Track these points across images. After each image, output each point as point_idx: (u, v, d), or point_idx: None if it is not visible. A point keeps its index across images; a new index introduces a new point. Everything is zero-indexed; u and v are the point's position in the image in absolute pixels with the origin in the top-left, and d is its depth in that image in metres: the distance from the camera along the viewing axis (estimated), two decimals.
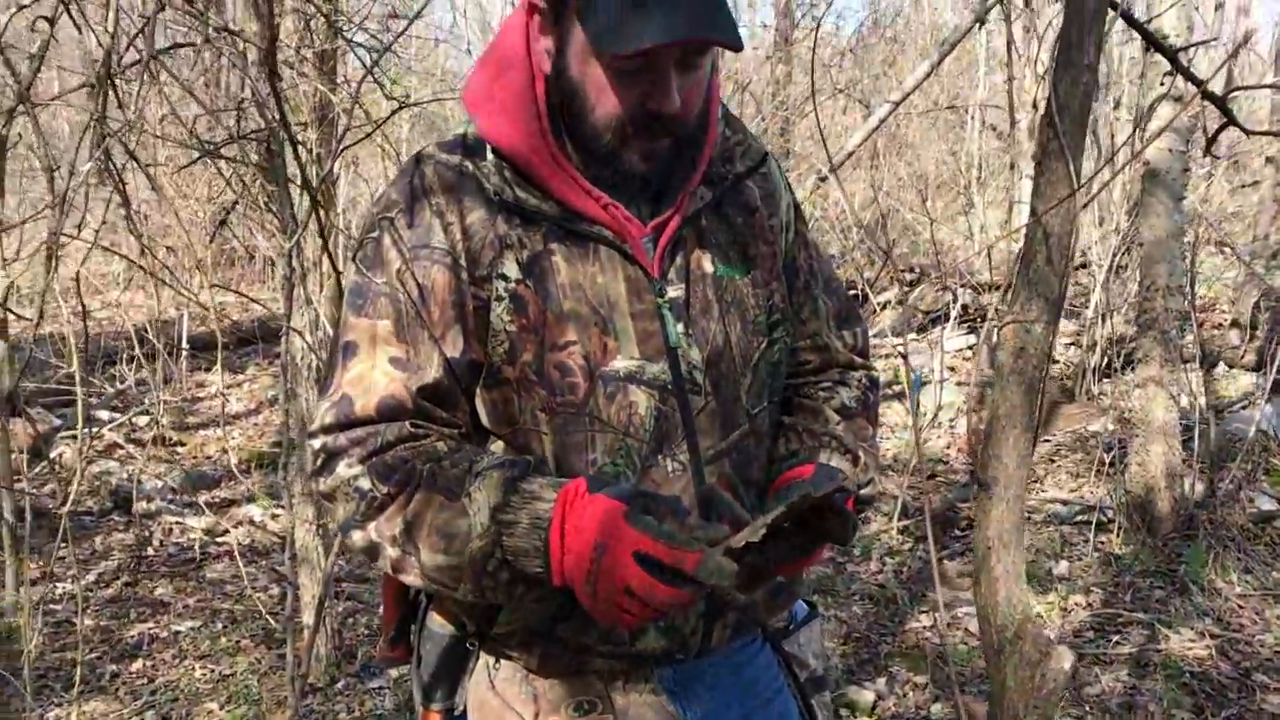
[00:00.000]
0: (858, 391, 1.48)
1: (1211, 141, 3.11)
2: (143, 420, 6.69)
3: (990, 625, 1.30)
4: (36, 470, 5.51)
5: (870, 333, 1.56)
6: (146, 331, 7.51)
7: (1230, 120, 2.78)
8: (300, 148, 3.48)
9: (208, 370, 8.34)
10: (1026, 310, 1.31)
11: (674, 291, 1.32)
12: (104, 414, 6.64)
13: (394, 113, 2.95)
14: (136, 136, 2.61)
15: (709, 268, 1.35)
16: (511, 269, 1.27)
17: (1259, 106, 9.66)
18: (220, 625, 4.11)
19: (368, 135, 2.37)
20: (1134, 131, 4.99)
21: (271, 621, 3.90)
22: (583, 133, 1.26)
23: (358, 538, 1.26)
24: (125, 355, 7.47)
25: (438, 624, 1.41)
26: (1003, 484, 1.29)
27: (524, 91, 1.29)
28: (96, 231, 3.32)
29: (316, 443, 1.29)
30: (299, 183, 2.82)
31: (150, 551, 4.92)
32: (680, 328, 1.31)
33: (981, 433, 5.19)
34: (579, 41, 1.22)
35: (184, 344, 7.40)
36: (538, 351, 1.27)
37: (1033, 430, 1.29)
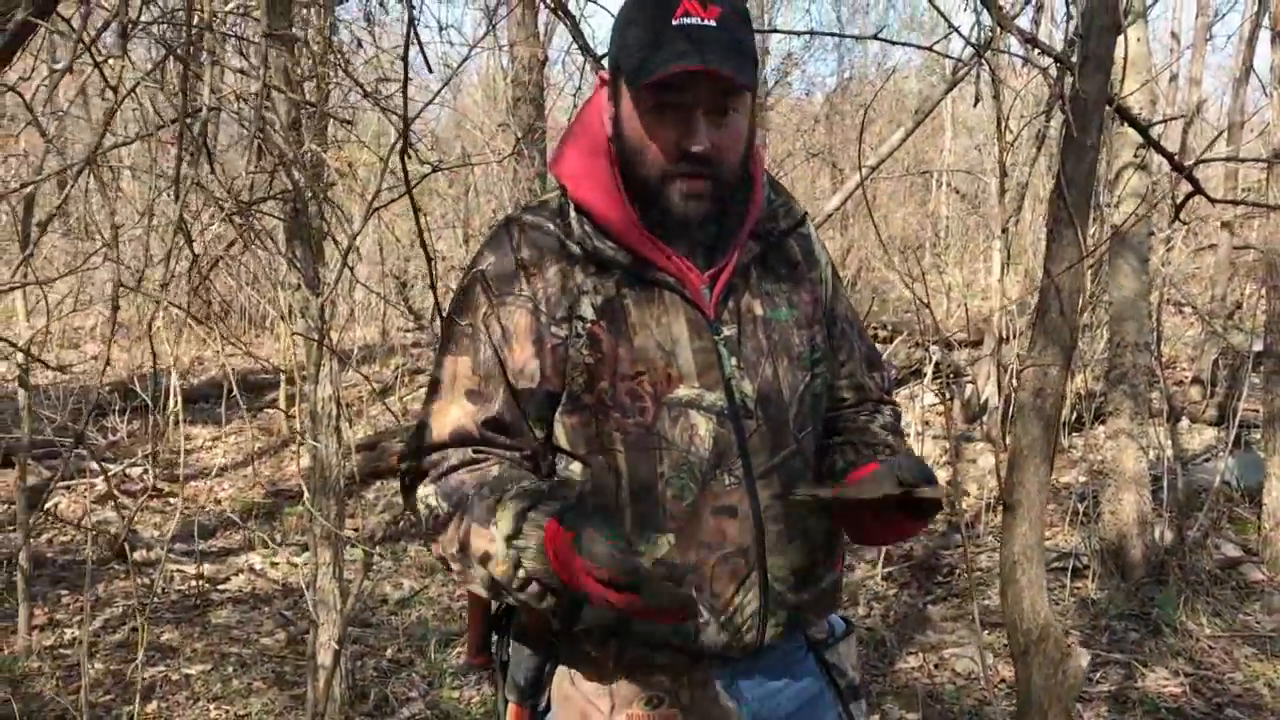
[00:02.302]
0: (890, 419, 1.70)
1: (1180, 209, 3.37)
2: (135, 471, 6.77)
3: (1017, 630, 1.48)
4: (33, 519, 5.59)
5: (894, 379, 1.76)
6: (133, 384, 7.64)
7: (1198, 189, 3.03)
8: (329, 206, 3.68)
9: (192, 424, 8.42)
10: (1043, 356, 1.52)
11: (728, 331, 1.52)
12: (95, 465, 6.71)
13: (425, 176, 3.15)
14: (193, 195, 2.79)
15: (759, 311, 1.56)
16: (588, 311, 1.48)
17: (1213, 174, 10.09)
18: (230, 668, 4.20)
19: (402, 195, 2.56)
20: (1101, 199, 5.28)
21: (284, 665, 4.01)
22: (635, 179, 1.48)
23: (435, 549, 1.49)
24: (116, 408, 7.55)
25: (522, 630, 1.59)
26: (1025, 506, 1.48)
27: (604, 159, 1.52)
28: (119, 284, 3.47)
29: (404, 465, 1.53)
30: (333, 239, 3.00)
31: (154, 599, 5.01)
32: (734, 362, 1.51)
33: (958, 486, 5.39)
34: (628, 101, 1.46)
35: (175, 397, 7.48)
36: (612, 380, 1.47)
37: (1050, 460, 1.49)
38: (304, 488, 2.88)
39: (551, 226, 1.52)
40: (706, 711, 1.54)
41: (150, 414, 7.04)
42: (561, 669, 1.56)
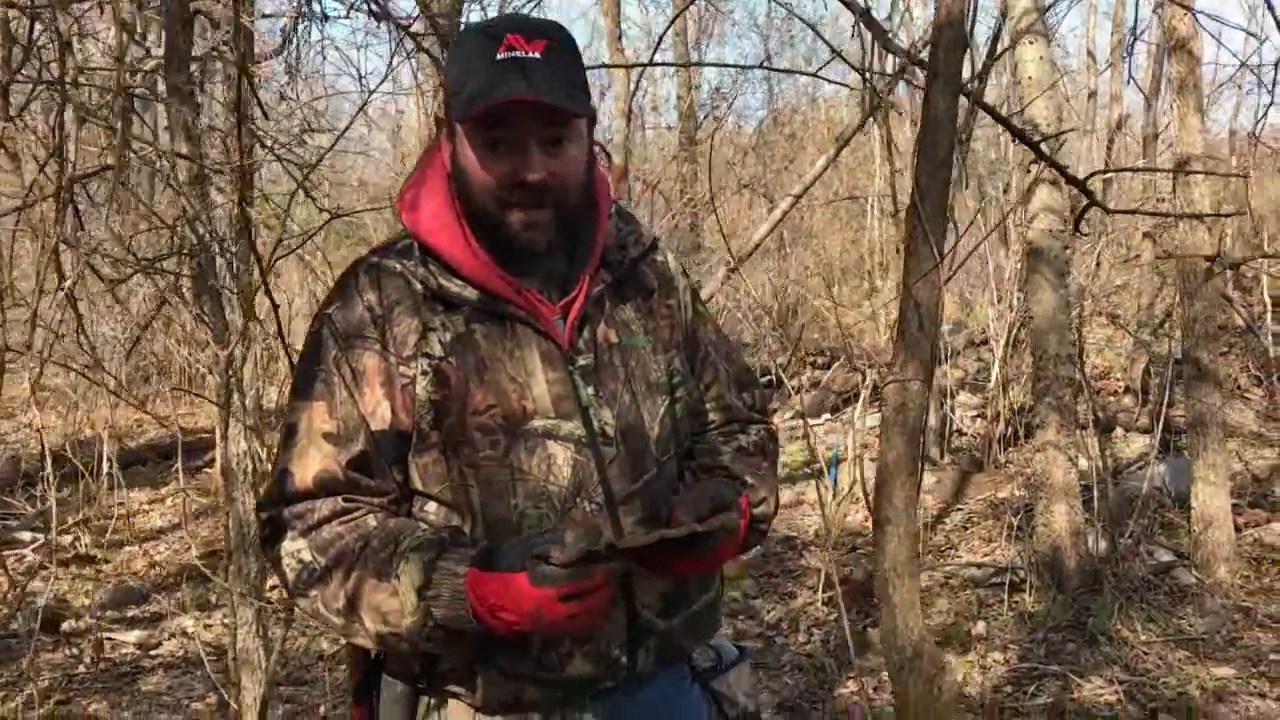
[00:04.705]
0: (755, 438, 1.69)
1: (1078, 221, 3.43)
2: (66, 539, 6.62)
3: (893, 647, 1.47)
4: None
5: (771, 398, 1.76)
6: (65, 451, 7.49)
7: (1093, 201, 3.08)
8: (235, 260, 3.64)
9: (125, 488, 8.27)
10: (905, 371, 1.52)
11: (583, 360, 1.52)
12: (25, 535, 6.56)
13: (325, 223, 3.13)
14: (81, 255, 2.75)
15: (614, 339, 1.56)
16: (435, 348, 1.47)
17: (1133, 186, 10.27)
18: None
19: (298, 247, 2.55)
20: (1008, 213, 5.35)
21: None
22: (473, 211, 1.49)
23: (304, 604, 1.46)
24: (46, 475, 7.39)
25: (391, 678, 1.56)
26: (894, 522, 1.48)
27: (447, 198, 1.53)
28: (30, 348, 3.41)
29: (264, 514, 1.49)
30: (234, 293, 2.97)
31: (82, 669, 4.88)
32: (590, 390, 1.51)
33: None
34: (463, 137, 1.47)
35: (109, 461, 7.35)
36: (460, 415, 1.46)
37: (918, 474, 1.48)
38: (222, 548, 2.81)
39: (398, 267, 1.51)
40: None
41: (81, 479, 6.91)
42: (432, 712, 1.53)
